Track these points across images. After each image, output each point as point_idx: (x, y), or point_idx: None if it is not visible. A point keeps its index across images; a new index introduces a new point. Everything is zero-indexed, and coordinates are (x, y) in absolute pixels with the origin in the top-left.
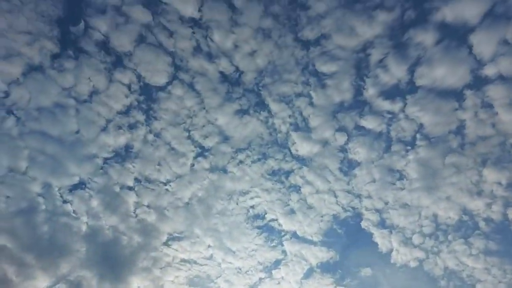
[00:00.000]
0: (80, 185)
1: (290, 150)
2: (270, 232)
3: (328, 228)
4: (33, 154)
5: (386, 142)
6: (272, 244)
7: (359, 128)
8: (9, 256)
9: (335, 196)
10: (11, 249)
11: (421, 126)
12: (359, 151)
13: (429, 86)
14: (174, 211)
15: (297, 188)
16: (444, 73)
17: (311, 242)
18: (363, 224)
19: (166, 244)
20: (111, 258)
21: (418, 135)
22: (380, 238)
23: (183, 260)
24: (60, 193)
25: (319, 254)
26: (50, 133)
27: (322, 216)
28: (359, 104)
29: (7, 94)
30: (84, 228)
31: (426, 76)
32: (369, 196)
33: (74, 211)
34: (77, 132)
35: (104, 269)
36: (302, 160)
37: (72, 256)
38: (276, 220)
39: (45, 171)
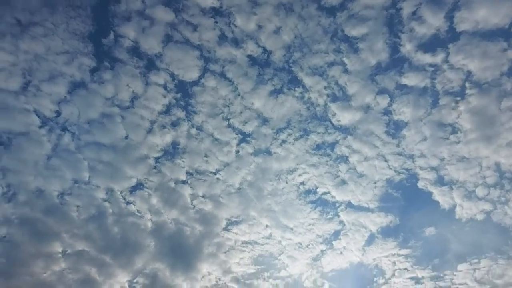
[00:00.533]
0: (138, 186)
1: (331, 122)
2: (324, 205)
3: (383, 194)
4: (92, 164)
5: (432, 97)
6: (328, 217)
7: (401, 87)
8: (89, 259)
9: (386, 161)
10: (90, 252)
11: (469, 74)
12: (404, 111)
13: (472, 30)
14: (228, 198)
15: (344, 159)
16: (487, 13)
17: (367, 210)
18: (420, 184)
19: (226, 229)
20: (178, 249)
21: (467, 84)
22: (440, 196)
23: (245, 242)
24: (122, 195)
25: (378, 220)
26: (103, 142)
27: (375, 183)
28: (398, 62)
29: (58, 113)
30: (149, 224)
31: (467, 20)
32: (422, 155)
33: (138, 211)
34: (126, 137)
35: (174, 259)
36: (345, 130)
37: (144, 252)
38: (328, 192)
39: (105, 177)
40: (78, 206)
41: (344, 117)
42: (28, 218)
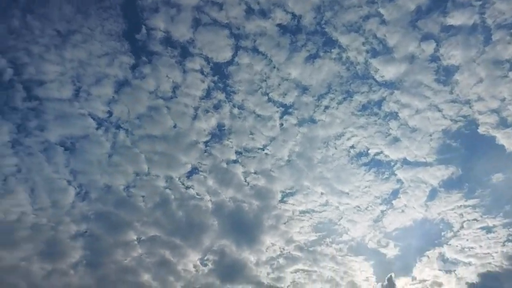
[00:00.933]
0: (194, 170)
1: (374, 79)
2: (379, 166)
3: (441, 146)
4: (148, 156)
5: (483, 34)
6: (384, 177)
7: (446, 29)
8: (161, 243)
9: (439, 110)
10: (161, 237)
11: None
12: (454, 54)
13: None
14: (279, 171)
15: (394, 115)
16: None
17: (425, 164)
18: (481, 129)
19: (282, 201)
20: (240, 225)
21: None
22: (505, 139)
23: (302, 212)
24: (180, 181)
25: (438, 174)
26: (154, 134)
27: (430, 135)
28: (440, 2)
29: (110, 113)
30: (210, 205)
31: None
32: (479, 99)
33: (197, 194)
34: (175, 126)
35: (237, 235)
36: (391, 85)
37: (209, 231)
38: (381, 152)
39: (162, 167)
40: (143, 196)
41: (388, 72)
42: (102, 212)
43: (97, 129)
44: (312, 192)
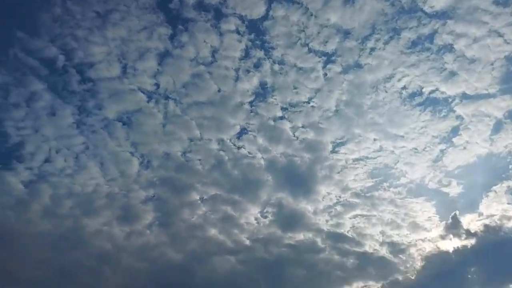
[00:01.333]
0: (243, 131)
1: (423, 11)
2: (435, 104)
3: (504, 74)
4: (198, 122)
5: None
6: (441, 115)
7: None
8: (222, 200)
9: (501, 35)
10: (222, 195)
11: None
12: None
13: None
14: (327, 122)
15: (448, 48)
16: None
17: (487, 96)
18: None
19: (333, 151)
20: (294, 178)
21: None
22: None
23: (355, 160)
24: (232, 143)
25: (503, 105)
26: (201, 100)
27: (492, 64)
28: None
29: (157, 85)
30: (262, 162)
31: None
32: None
33: (249, 152)
34: (219, 90)
35: (292, 187)
36: (442, 15)
37: (265, 186)
38: (437, 89)
39: (213, 131)
40: (199, 160)
41: (438, 1)
42: (165, 178)
43: (148, 102)
44: (364, 139)
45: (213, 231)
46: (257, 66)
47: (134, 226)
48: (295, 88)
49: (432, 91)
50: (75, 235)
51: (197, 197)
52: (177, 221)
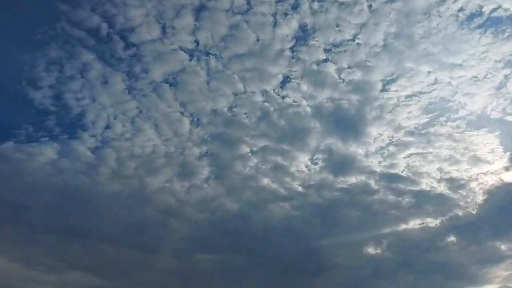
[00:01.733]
0: (286, 79)
1: None
2: (497, 24)
3: None
4: (240, 75)
5: None
6: (504, 36)
7: None
8: (272, 151)
9: None
10: (270, 146)
11: None
12: None
13: None
14: (375, 59)
15: None
16: None
17: None
18: None
19: (383, 90)
20: (342, 121)
21: None
22: None
23: (408, 96)
24: (276, 93)
25: None
26: (241, 52)
27: None
28: None
29: (197, 42)
30: (308, 109)
31: None
32: None
33: (294, 101)
34: (257, 39)
35: (341, 132)
36: None
37: (312, 133)
38: (499, 7)
39: (256, 82)
40: (246, 113)
41: None
42: (215, 134)
43: (190, 60)
44: (417, 73)
45: (265, 181)
46: (294, 7)
47: (193, 181)
48: (337, 26)
49: (494, 10)
50: (141, 193)
51: (247, 150)
52: (231, 174)
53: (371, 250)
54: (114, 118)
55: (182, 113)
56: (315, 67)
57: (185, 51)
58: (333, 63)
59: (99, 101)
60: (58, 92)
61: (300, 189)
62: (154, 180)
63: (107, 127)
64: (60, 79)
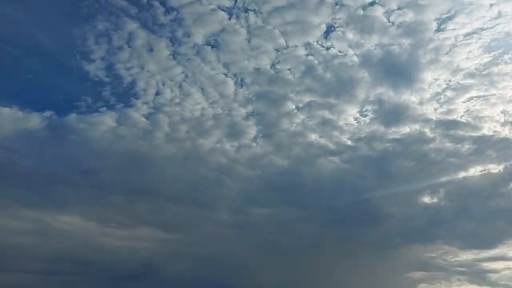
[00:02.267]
0: (329, 29)
1: None
2: None
3: None
4: (281, 29)
5: None
6: None
7: None
8: (318, 105)
9: None
10: (316, 101)
11: None
12: None
13: None
14: None
15: None
16: None
17: None
18: None
19: (438, 30)
20: (393, 68)
21: None
22: None
23: (467, 34)
24: (319, 44)
25: None
26: (280, 5)
27: None
28: None
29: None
30: (355, 59)
31: None
32: None
33: (339, 51)
34: None
35: (392, 80)
36: None
37: (361, 83)
38: None
39: (297, 36)
40: (289, 69)
41: None
42: (259, 92)
43: (229, 19)
44: (477, 7)
45: (313, 136)
46: None
47: (242, 140)
48: None
49: None
50: (195, 154)
51: (293, 106)
52: (278, 131)
53: (427, 199)
54: (163, 84)
55: (225, 75)
56: (361, 11)
57: (224, 10)
58: (381, 5)
59: (147, 68)
60: (109, 63)
61: (349, 142)
62: (205, 141)
63: (157, 93)
64: (109, 50)
